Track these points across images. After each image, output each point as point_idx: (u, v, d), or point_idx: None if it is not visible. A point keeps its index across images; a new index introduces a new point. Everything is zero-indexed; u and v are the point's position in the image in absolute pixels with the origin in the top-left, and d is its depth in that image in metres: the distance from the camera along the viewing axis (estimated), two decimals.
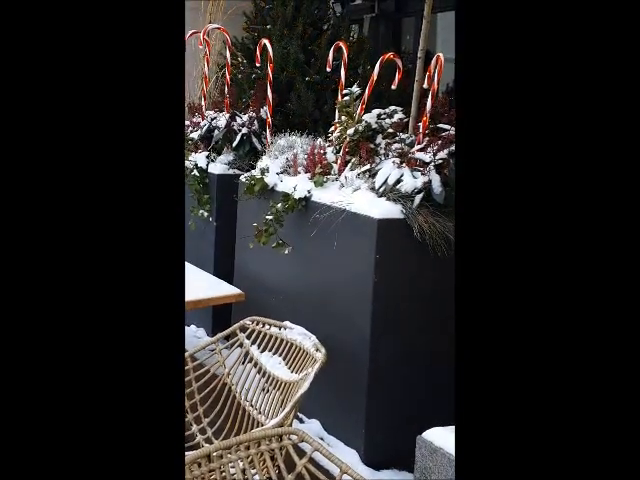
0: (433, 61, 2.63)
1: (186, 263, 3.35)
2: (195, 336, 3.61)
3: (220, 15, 4.44)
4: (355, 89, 2.91)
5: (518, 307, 1.20)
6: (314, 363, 2.16)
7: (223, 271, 3.51)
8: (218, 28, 3.94)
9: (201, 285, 3.02)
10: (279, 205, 2.84)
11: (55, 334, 1.12)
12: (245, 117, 3.68)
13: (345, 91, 2.96)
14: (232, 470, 1.60)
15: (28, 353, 1.10)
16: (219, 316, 3.57)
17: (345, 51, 3.15)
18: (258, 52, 3.51)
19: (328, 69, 3.27)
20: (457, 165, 1.29)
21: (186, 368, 2.45)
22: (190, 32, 3.94)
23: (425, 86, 2.69)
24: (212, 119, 3.74)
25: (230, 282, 3.23)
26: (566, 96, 1.18)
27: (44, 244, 1.13)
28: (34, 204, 1.12)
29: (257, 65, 3.62)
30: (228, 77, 3.84)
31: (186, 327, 3.77)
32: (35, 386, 1.09)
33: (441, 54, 2.60)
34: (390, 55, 2.85)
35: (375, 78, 2.82)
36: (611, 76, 1.16)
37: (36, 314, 1.11)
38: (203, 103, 3.97)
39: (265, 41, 3.44)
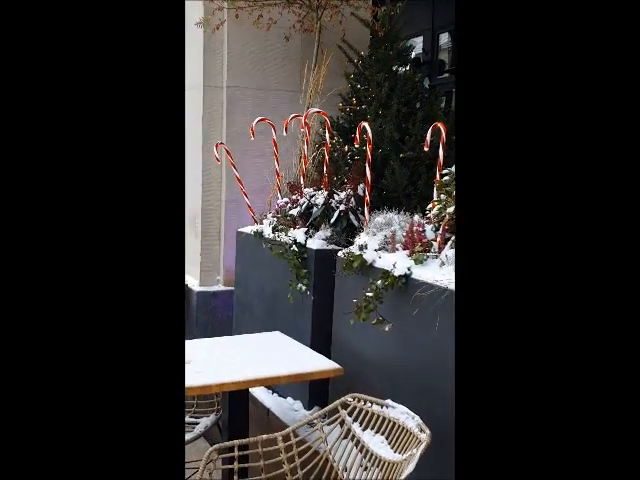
0: None
1: (284, 336, 3.44)
2: (292, 409, 3.65)
3: (318, 98, 4.66)
4: (454, 169, 2.97)
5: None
6: (418, 444, 2.15)
7: (319, 344, 3.56)
8: (318, 112, 4.14)
9: (299, 358, 3.07)
10: (379, 282, 2.89)
11: (64, 417, 1.24)
12: (342, 194, 3.80)
13: (444, 170, 3.02)
14: None
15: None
16: (316, 389, 3.60)
17: (443, 131, 3.23)
18: (357, 134, 3.65)
19: (426, 148, 3.36)
20: (457, 256, 1.36)
21: (289, 443, 2.50)
22: (292, 115, 4.17)
23: None
24: (310, 196, 3.89)
25: (327, 355, 3.28)
26: (565, 186, 1.33)
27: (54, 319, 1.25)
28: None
29: (355, 146, 3.76)
30: (327, 157, 4.00)
31: (282, 399, 3.82)
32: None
33: None
34: None
35: None
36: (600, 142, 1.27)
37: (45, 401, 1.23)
38: (302, 181, 4.14)
39: (365, 124, 3.59)
